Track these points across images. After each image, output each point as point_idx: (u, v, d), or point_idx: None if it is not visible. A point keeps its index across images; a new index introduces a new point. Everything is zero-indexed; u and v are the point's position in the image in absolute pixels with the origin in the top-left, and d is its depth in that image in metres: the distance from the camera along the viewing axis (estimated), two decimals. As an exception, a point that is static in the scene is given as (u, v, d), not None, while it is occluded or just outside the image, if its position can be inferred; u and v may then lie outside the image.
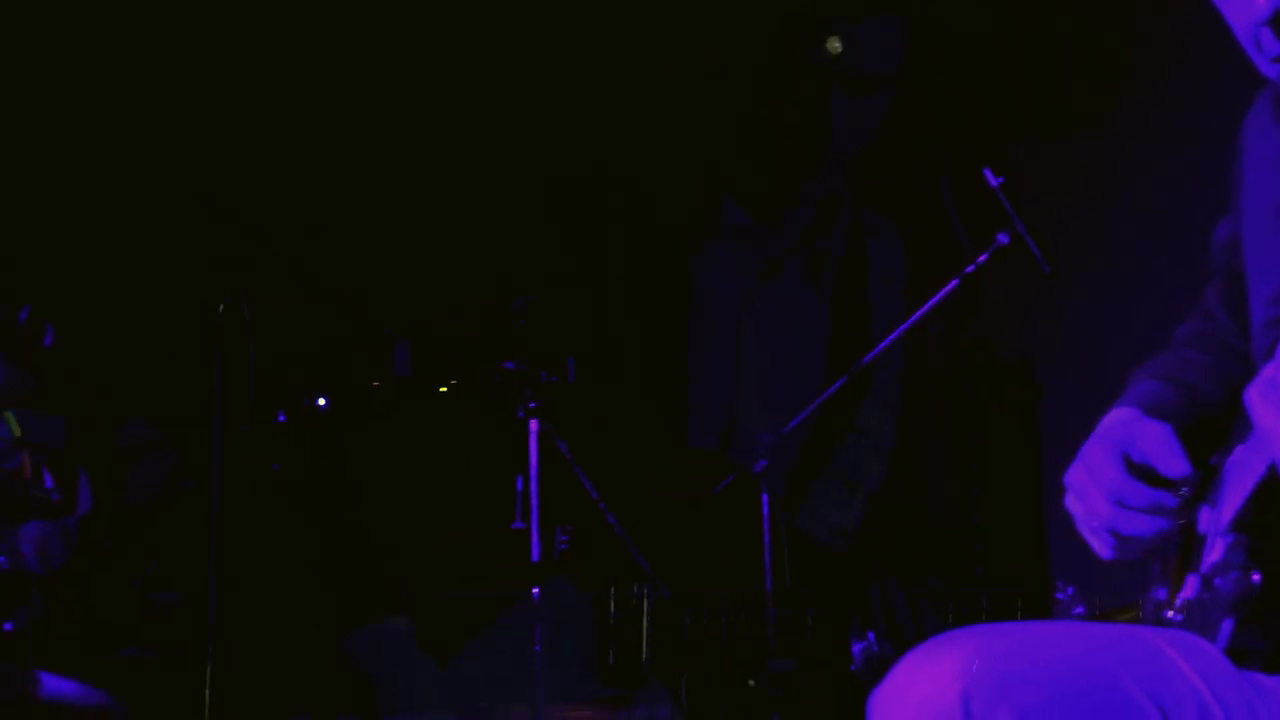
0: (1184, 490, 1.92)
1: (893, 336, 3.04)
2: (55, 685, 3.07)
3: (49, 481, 3.42)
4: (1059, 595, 3.05)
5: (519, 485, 2.86)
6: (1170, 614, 1.97)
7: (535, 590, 2.61)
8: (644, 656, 2.78)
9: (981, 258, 3.12)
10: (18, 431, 3.30)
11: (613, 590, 2.81)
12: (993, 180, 3.05)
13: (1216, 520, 1.92)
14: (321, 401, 2.97)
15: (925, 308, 3.06)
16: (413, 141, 4.27)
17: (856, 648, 2.68)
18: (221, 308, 2.70)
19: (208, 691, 2.78)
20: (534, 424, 2.71)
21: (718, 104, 3.05)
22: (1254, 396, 1.72)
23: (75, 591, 3.08)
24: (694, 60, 3.12)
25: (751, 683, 2.71)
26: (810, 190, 2.99)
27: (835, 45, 4.28)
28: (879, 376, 3.04)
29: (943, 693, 1.78)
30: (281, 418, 3.00)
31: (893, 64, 2.91)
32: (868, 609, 2.71)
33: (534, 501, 2.67)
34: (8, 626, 3.04)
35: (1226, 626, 1.85)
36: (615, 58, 4.09)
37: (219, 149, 4.34)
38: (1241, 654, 1.85)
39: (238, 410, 3.13)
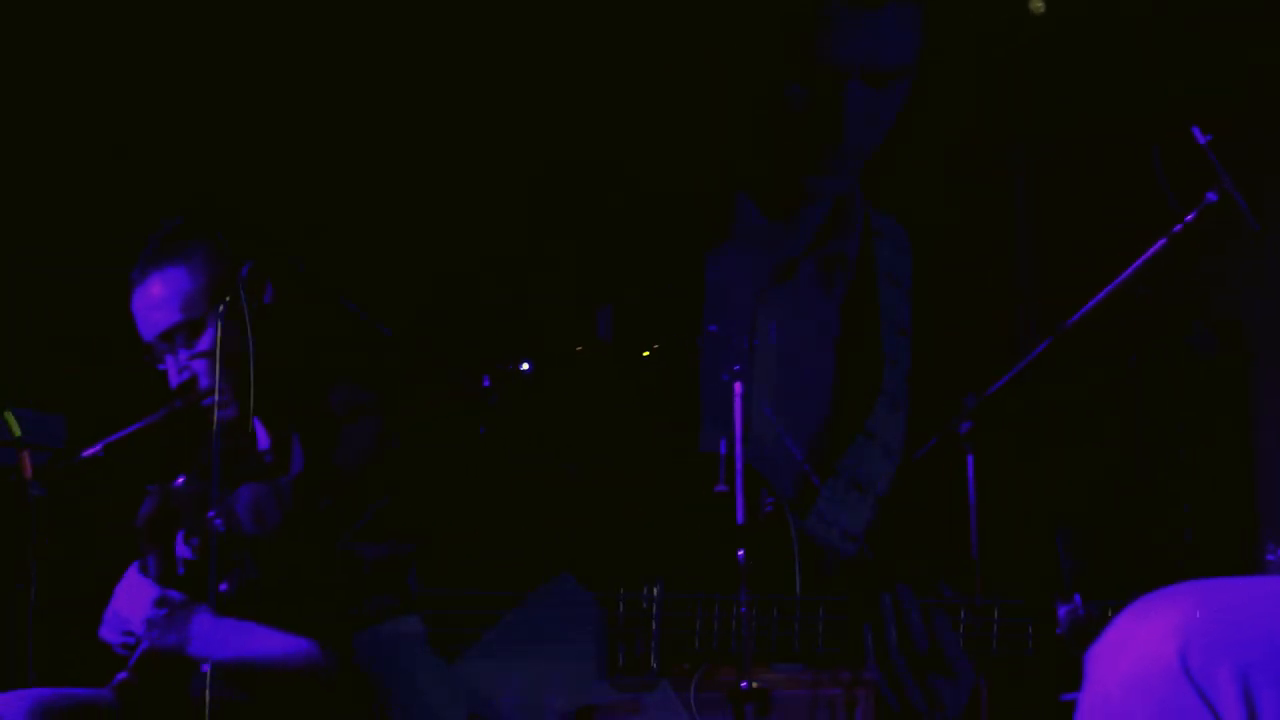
0: None
1: (1101, 295, 2.89)
2: (268, 641, 3.02)
3: (264, 443, 3.42)
4: (1269, 557, 3.11)
5: (722, 448, 2.74)
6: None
7: (741, 552, 2.57)
8: (653, 658, 2.70)
9: (1189, 216, 2.95)
10: (17, 431, 3.23)
11: (621, 590, 2.71)
12: (1201, 138, 2.89)
13: None
14: (525, 366, 2.90)
15: (1132, 268, 2.91)
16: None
17: (1062, 610, 2.64)
18: (221, 307, 2.63)
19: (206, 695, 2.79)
20: (738, 387, 2.63)
21: (731, 98, 2.97)
22: None
23: (288, 552, 3.06)
24: (705, 53, 3.04)
25: (754, 684, 2.65)
26: (824, 188, 2.90)
27: (1039, 4, 4.11)
28: (889, 378, 2.94)
29: (1160, 649, 1.79)
30: (486, 382, 2.95)
31: (910, 56, 2.81)
32: (879, 616, 2.64)
33: (739, 464, 2.62)
34: (223, 587, 3.02)
35: None
36: (629, 50, 4.09)
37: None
38: None
39: (438, 379, 3.11)
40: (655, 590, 2.71)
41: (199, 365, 3.40)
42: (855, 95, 2.73)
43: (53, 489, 3.22)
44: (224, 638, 3.05)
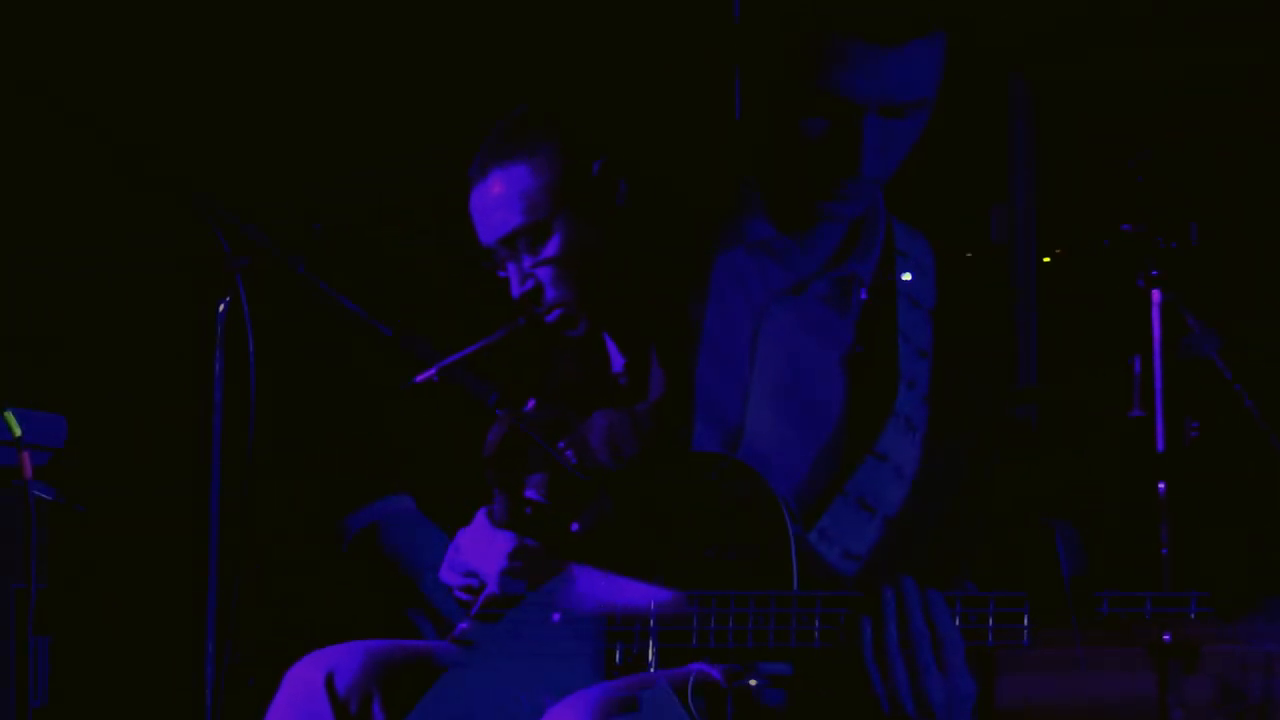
0: None
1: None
2: (633, 592, 2.81)
3: (617, 364, 3.14)
4: None
5: (1136, 366, 2.76)
6: None
7: (1162, 485, 2.50)
8: (650, 656, 2.67)
9: None
10: (17, 431, 3.15)
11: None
12: None
13: None
14: (906, 277, 2.86)
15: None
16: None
17: None
18: (221, 307, 2.56)
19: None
20: (1156, 295, 2.56)
21: (745, 120, 2.94)
22: None
23: (646, 486, 2.84)
24: (720, 67, 3.03)
25: (753, 683, 2.65)
26: (838, 213, 2.87)
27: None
28: (904, 399, 2.90)
29: None
30: (864, 295, 2.89)
31: (930, 89, 2.77)
32: (880, 611, 2.59)
33: (1157, 384, 2.55)
34: (575, 527, 2.82)
35: None
36: (646, 55, 4.10)
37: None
38: None
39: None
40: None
41: (544, 274, 3.09)
42: (872, 129, 2.69)
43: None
44: (587, 590, 2.83)
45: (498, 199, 3.08)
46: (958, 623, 2.60)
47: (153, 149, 2.54)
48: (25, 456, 3.13)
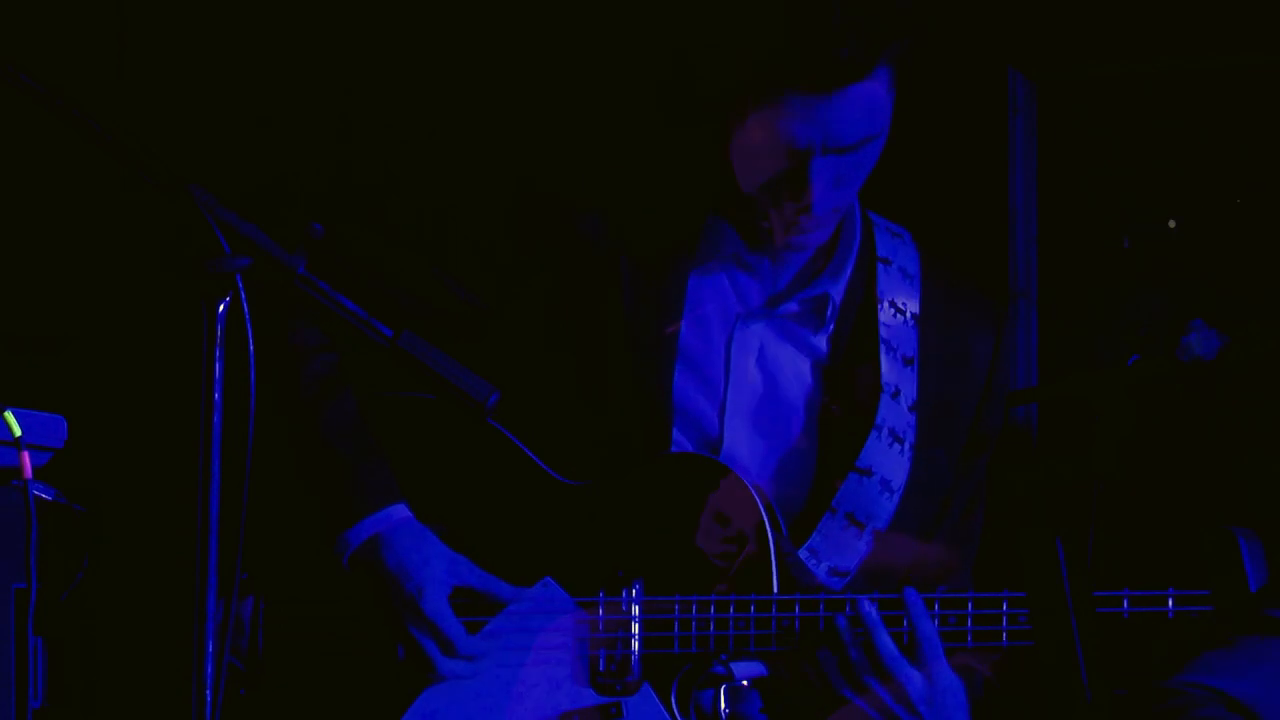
0: None
1: None
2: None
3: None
4: None
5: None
6: None
7: None
8: (634, 662, 2.71)
9: None
10: (17, 431, 3.13)
11: (602, 594, 2.73)
12: None
13: None
14: (1172, 224, 2.81)
15: None
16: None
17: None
18: (221, 307, 2.53)
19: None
20: None
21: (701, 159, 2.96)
22: None
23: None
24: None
25: (745, 683, 2.71)
26: (802, 244, 2.83)
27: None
28: (886, 410, 2.85)
29: None
30: (1126, 244, 2.83)
31: (876, 126, 2.72)
32: (839, 640, 2.66)
33: None
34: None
35: None
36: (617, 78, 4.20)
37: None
38: None
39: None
40: (634, 592, 2.72)
41: (807, 221, 2.90)
42: (820, 170, 2.69)
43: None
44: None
45: (759, 144, 2.90)
46: (936, 624, 2.63)
47: (152, 148, 2.53)
48: (25, 456, 3.11)
